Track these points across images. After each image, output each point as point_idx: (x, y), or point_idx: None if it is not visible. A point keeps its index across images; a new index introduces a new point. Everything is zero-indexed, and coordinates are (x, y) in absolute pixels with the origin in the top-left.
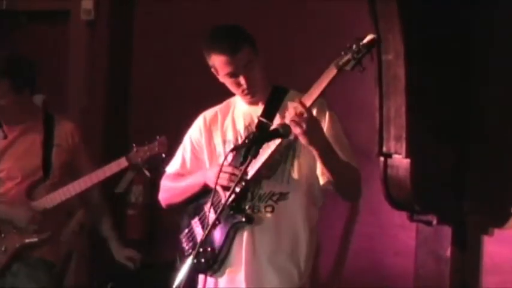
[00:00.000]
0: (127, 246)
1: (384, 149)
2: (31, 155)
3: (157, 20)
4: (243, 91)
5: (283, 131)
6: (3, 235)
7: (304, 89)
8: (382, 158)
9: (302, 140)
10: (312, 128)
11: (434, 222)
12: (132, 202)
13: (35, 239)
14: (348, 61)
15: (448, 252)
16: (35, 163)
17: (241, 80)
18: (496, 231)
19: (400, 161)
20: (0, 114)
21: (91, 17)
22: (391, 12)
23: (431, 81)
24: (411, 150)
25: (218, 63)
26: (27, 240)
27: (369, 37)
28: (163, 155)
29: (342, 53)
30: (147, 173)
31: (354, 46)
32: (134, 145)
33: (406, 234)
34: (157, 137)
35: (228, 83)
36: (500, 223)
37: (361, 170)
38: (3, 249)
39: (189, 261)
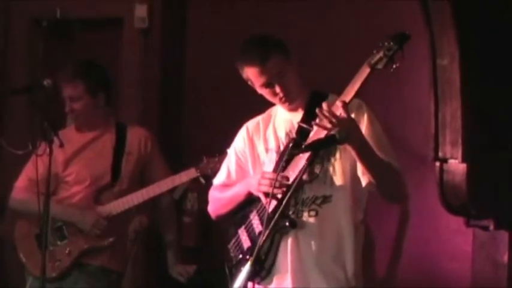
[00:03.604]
0: (183, 253)
1: (440, 154)
2: (101, 160)
3: (211, 27)
4: (280, 99)
5: (340, 137)
6: (68, 238)
7: None
8: (437, 163)
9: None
10: (348, 126)
11: (491, 227)
12: (187, 209)
13: (99, 244)
14: (380, 59)
15: (506, 258)
16: (105, 168)
17: (277, 88)
18: None
19: (456, 166)
20: (74, 118)
21: (145, 25)
22: (445, 16)
23: (487, 84)
24: (467, 155)
25: (251, 75)
26: (91, 245)
27: (399, 33)
28: None
29: (374, 51)
30: (203, 181)
31: (385, 43)
32: (205, 156)
33: (462, 239)
34: (228, 150)
35: (265, 93)
36: None
37: (415, 174)
38: (67, 252)
39: (247, 267)
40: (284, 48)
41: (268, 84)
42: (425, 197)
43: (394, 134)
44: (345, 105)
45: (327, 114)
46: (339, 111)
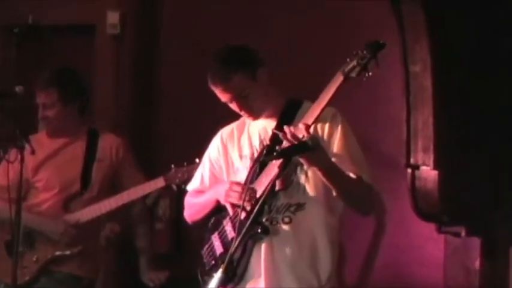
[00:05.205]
0: (155, 260)
1: (412, 161)
2: (71, 167)
3: (183, 33)
4: (244, 115)
5: (312, 144)
6: (36, 245)
7: None
8: (409, 170)
9: (303, 161)
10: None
11: (463, 233)
12: (159, 216)
13: (67, 252)
14: (353, 67)
15: (477, 264)
16: (74, 175)
17: (236, 107)
18: None
19: (428, 173)
20: (46, 125)
21: (117, 31)
22: (418, 23)
23: (459, 92)
24: (439, 161)
25: (215, 91)
26: (58, 253)
27: (373, 42)
28: None
29: (348, 59)
30: (174, 187)
31: (359, 52)
32: (173, 166)
33: (434, 246)
34: (197, 160)
35: (231, 106)
36: None
37: (387, 181)
38: (34, 259)
39: (218, 274)
40: (250, 66)
41: (230, 102)
42: (397, 204)
43: (366, 141)
44: (308, 128)
45: (290, 138)
46: (302, 134)
